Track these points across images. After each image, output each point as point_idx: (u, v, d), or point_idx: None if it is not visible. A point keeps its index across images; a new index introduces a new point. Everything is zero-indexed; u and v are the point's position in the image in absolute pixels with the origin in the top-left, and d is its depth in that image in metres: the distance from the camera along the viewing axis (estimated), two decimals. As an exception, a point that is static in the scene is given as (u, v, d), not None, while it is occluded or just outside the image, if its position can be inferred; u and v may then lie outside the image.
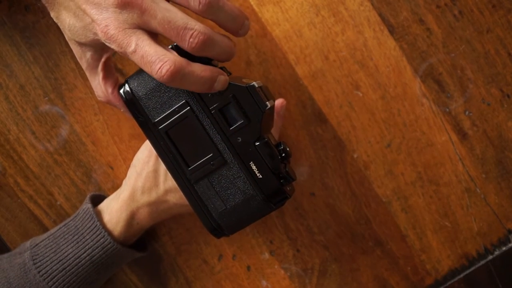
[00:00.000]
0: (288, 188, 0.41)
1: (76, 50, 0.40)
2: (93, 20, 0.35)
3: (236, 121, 0.39)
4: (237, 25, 0.37)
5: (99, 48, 0.39)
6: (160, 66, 0.33)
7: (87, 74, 0.41)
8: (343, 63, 0.49)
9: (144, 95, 0.39)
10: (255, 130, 0.39)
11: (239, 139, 0.39)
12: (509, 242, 0.51)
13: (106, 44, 0.35)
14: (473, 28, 0.49)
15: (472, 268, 0.52)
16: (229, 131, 0.39)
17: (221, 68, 0.40)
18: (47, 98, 0.50)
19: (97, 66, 0.40)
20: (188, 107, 0.39)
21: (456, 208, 0.51)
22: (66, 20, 0.37)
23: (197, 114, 0.39)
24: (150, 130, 0.40)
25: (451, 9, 0.49)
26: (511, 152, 0.50)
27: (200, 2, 0.35)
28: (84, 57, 0.40)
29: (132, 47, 0.34)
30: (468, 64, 0.49)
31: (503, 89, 0.50)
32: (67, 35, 0.39)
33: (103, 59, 0.40)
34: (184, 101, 0.39)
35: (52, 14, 0.38)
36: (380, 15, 0.49)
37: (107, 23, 0.34)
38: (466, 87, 0.50)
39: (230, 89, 0.38)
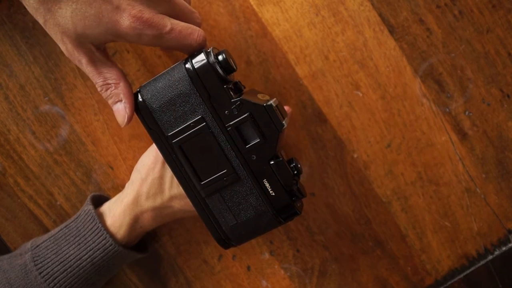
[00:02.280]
0: (298, 204, 0.41)
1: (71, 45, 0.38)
2: (118, 7, 0.36)
3: (252, 139, 0.39)
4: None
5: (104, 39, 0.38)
6: (198, 33, 0.39)
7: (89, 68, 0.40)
8: (343, 63, 0.49)
9: (158, 107, 0.39)
10: (271, 149, 0.39)
11: (253, 157, 0.39)
12: (509, 242, 0.51)
13: (135, 30, 0.36)
14: (473, 28, 0.49)
15: (472, 268, 0.52)
16: (245, 149, 0.39)
17: (236, 82, 0.40)
18: (47, 98, 0.50)
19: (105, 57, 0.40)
20: (204, 123, 0.39)
21: (456, 208, 0.51)
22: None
23: (213, 130, 0.39)
24: (162, 143, 0.40)
25: (451, 9, 0.48)
26: (511, 152, 0.50)
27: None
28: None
29: (168, 26, 0.37)
30: (468, 64, 0.49)
31: (503, 89, 0.50)
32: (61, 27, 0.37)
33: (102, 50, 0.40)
34: (200, 116, 0.39)
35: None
36: (380, 15, 0.49)
37: (141, 8, 0.36)
38: (466, 87, 0.50)
39: (248, 107, 0.38)
